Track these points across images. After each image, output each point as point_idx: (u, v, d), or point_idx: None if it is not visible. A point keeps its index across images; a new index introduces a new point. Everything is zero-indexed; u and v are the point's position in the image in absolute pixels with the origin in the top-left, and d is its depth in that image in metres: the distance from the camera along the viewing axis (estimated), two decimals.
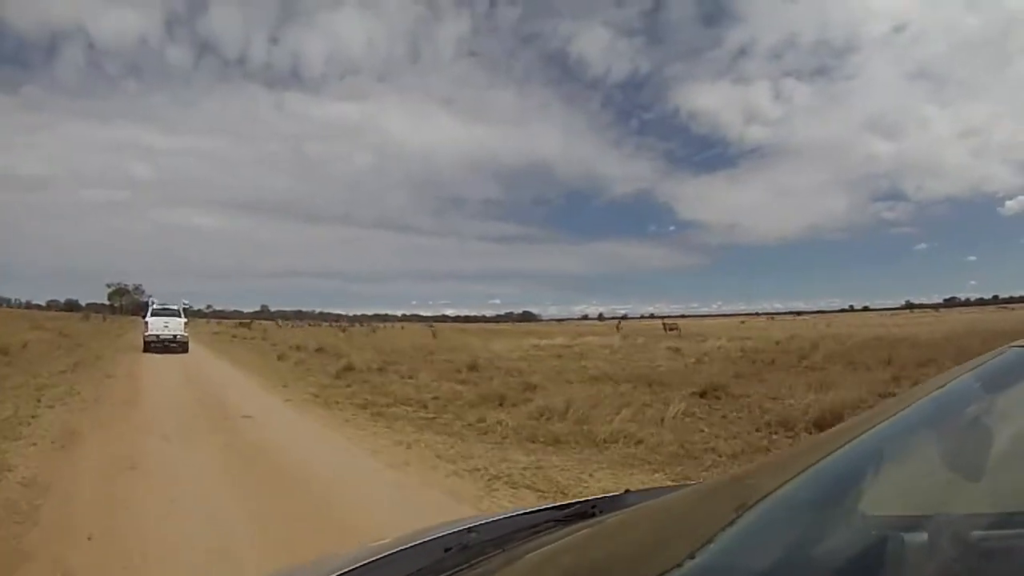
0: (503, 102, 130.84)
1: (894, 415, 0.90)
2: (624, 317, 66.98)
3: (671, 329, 33.70)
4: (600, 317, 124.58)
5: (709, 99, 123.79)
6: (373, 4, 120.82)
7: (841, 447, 0.84)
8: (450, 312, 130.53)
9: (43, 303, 79.49)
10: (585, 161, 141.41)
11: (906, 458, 0.83)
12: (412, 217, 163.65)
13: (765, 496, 0.78)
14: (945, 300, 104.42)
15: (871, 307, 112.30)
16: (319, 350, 18.92)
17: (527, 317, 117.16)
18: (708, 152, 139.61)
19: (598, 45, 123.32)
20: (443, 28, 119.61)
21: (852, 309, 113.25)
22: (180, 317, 19.55)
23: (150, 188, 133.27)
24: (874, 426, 0.87)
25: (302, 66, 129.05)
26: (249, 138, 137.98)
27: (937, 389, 0.92)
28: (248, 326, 48.12)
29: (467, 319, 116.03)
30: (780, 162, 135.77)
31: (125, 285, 78.84)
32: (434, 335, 31.49)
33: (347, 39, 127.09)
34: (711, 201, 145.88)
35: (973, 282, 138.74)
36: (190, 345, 19.17)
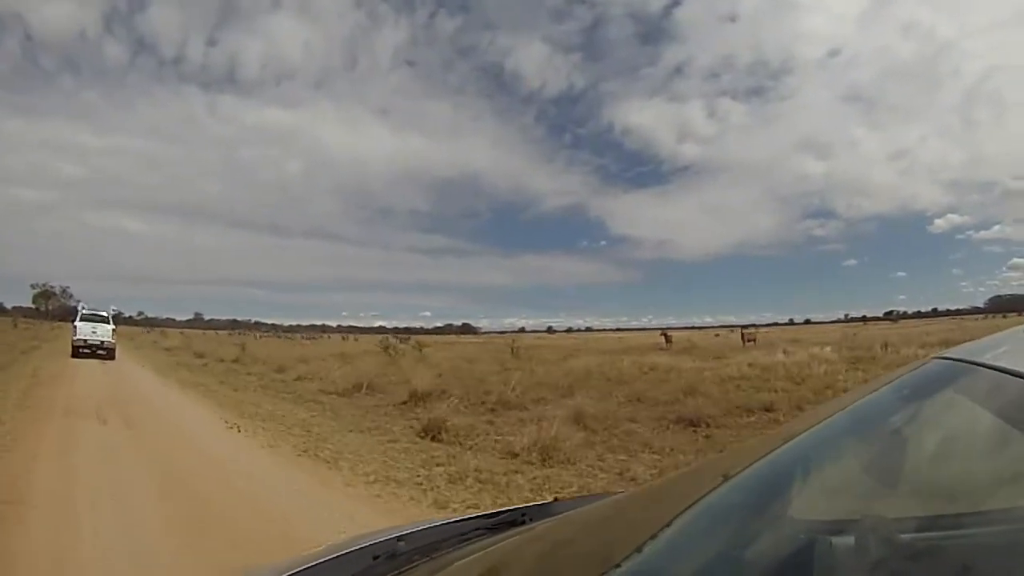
0: (437, 113, 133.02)
1: (821, 422, 0.91)
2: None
3: (750, 340, 30.54)
4: (549, 330, 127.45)
5: (644, 116, 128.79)
6: (312, 10, 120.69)
7: (769, 453, 0.86)
8: (384, 324, 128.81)
9: None
10: (517, 175, 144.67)
11: (833, 464, 0.85)
12: (342, 227, 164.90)
13: (694, 503, 0.79)
14: (885, 313, 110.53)
15: (812, 320, 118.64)
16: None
17: (467, 329, 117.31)
18: (641, 168, 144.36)
19: (535, 59, 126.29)
20: (381, 37, 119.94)
21: (792, 323, 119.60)
22: (109, 324, 19.79)
23: (80, 188, 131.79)
24: (801, 432, 0.89)
25: (238, 69, 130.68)
26: (182, 141, 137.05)
27: (864, 396, 0.95)
28: (241, 348, 25.48)
29: (406, 330, 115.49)
30: (712, 179, 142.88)
31: (51, 287, 75.45)
32: (514, 352, 23.01)
33: (284, 44, 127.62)
34: (643, 217, 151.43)
35: (903, 296, 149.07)
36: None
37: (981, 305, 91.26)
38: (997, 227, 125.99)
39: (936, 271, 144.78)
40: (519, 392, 10.56)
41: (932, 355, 0.96)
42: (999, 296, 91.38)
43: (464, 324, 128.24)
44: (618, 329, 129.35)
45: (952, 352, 0.90)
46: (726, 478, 0.81)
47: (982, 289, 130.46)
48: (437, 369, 16.86)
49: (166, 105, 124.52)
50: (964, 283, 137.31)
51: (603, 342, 45.47)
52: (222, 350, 25.95)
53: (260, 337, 59.93)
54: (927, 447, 0.79)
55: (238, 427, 8.32)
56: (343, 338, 67.21)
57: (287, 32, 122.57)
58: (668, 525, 0.74)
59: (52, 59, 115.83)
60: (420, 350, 23.15)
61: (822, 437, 0.87)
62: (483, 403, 10.04)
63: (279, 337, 58.08)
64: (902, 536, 0.66)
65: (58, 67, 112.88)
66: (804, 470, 0.82)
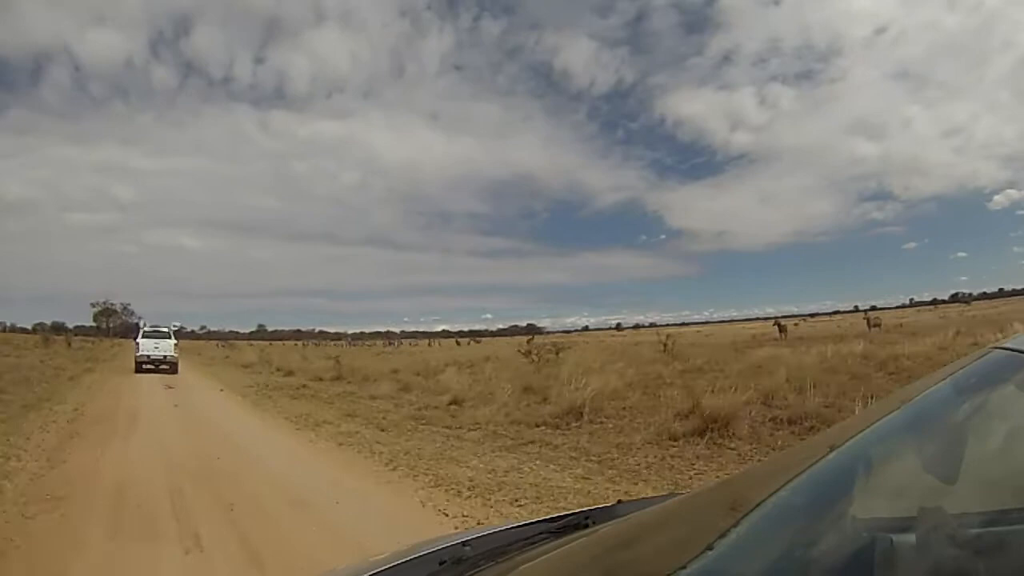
0: (488, 115, 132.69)
1: (882, 418, 0.91)
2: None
3: (875, 325, 27.47)
4: (618, 327, 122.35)
5: (694, 107, 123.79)
6: (356, 21, 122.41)
7: (831, 452, 0.85)
8: (447, 327, 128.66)
9: (28, 326, 73.02)
10: (571, 172, 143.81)
11: (895, 461, 0.84)
12: (400, 233, 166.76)
13: (759, 503, 0.79)
14: (951, 296, 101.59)
15: (877, 307, 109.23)
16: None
17: (532, 330, 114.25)
18: (695, 160, 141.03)
19: (582, 56, 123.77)
20: (427, 43, 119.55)
21: (857, 309, 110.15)
22: (170, 339, 19.58)
23: (137, 209, 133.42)
24: (862, 430, 0.89)
25: (287, 85, 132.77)
26: (235, 158, 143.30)
27: (923, 392, 0.94)
28: (336, 361, 19.61)
29: (471, 334, 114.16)
30: (766, 167, 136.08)
31: (112, 305, 73.90)
32: (666, 348, 18.96)
33: (331, 57, 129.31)
34: (699, 209, 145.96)
35: (964, 278, 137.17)
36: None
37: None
38: None
39: (997, 249, 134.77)
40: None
41: (992, 344, 0.96)
42: None
43: (529, 325, 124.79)
44: (682, 324, 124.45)
45: (1012, 342, 0.88)
46: (790, 477, 0.80)
47: None
48: (617, 376, 11.26)
49: (217, 124, 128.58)
50: None
51: (698, 337, 38.81)
52: (308, 364, 21.32)
53: (336, 346, 56.42)
54: (987, 440, 0.75)
55: None
56: (428, 344, 62.71)
57: (333, 45, 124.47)
58: (734, 526, 0.75)
59: (101, 87, 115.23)
60: (557, 354, 17.66)
61: (883, 433, 0.86)
62: (784, 420, 6.96)
63: (353, 345, 53.85)
64: (965, 532, 0.64)
65: (108, 94, 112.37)
66: (867, 467, 0.81)
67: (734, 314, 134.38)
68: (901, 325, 27.87)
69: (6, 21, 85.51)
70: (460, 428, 8.19)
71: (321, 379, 15.87)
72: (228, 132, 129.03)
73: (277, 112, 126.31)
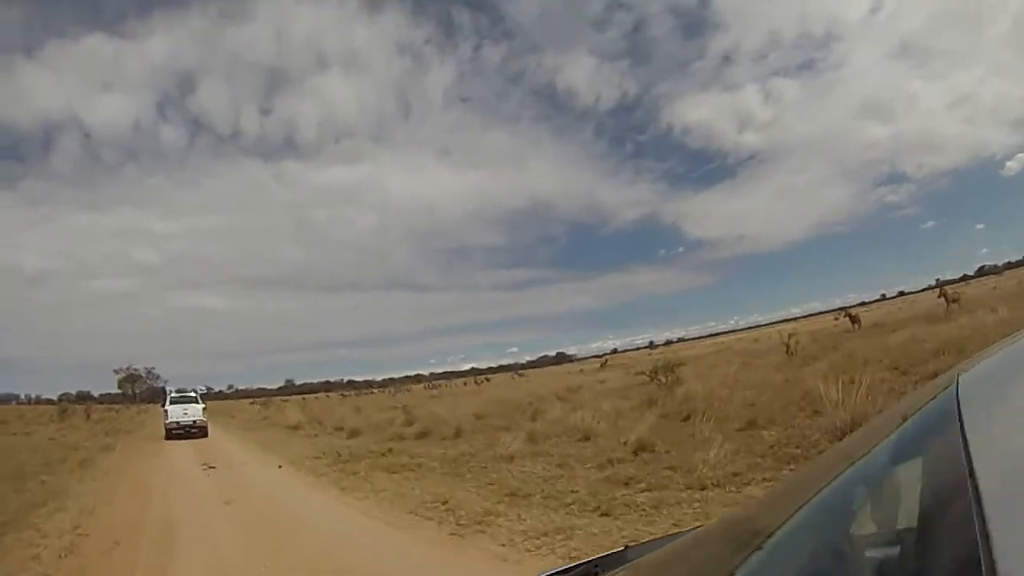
0: (497, 144, 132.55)
1: (866, 446, 0.89)
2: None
3: (953, 301, 20.97)
4: (651, 344, 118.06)
5: (700, 112, 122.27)
6: (358, 64, 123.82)
7: (827, 481, 0.84)
8: (475, 365, 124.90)
9: (55, 397, 72.44)
10: (585, 193, 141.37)
11: (880, 488, 0.84)
12: (420, 274, 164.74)
13: (768, 536, 0.79)
14: (977, 270, 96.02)
15: (904, 291, 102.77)
16: None
17: (562, 359, 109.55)
18: (707, 165, 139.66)
19: (585, 74, 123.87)
20: (430, 78, 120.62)
21: (885, 298, 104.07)
22: (198, 403, 19.36)
23: (157, 273, 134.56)
24: (849, 460, 0.88)
25: (296, 134, 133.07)
26: (251, 212, 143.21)
27: (900, 419, 0.89)
28: (404, 410, 17.73)
29: (500, 369, 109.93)
30: (778, 164, 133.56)
31: (136, 370, 71.62)
32: (790, 351, 16.34)
33: (337, 102, 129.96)
34: (716, 215, 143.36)
35: (985, 250, 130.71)
36: None
37: None
38: None
39: (1016, 217, 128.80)
40: None
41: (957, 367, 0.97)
42: None
43: (558, 353, 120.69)
44: (712, 335, 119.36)
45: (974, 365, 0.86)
46: (795, 508, 0.81)
47: None
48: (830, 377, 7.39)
49: (230, 180, 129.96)
50: None
51: (747, 344, 34.14)
52: (366, 418, 17.63)
53: (376, 393, 53.09)
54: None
55: None
56: (476, 382, 58.09)
57: (338, 90, 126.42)
58: (746, 560, 0.75)
59: (113, 152, 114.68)
60: (672, 370, 13.83)
61: (867, 461, 0.85)
62: None
63: (396, 392, 49.90)
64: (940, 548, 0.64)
65: (120, 159, 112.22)
66: (861, 492, 0.81)
67: (759, 319, 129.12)
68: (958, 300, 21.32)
69: (14, 95, 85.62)
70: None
71: (402, 437, 12.11)
72: (241, 187, 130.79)
73: (288, 162, 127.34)
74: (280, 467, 10.15)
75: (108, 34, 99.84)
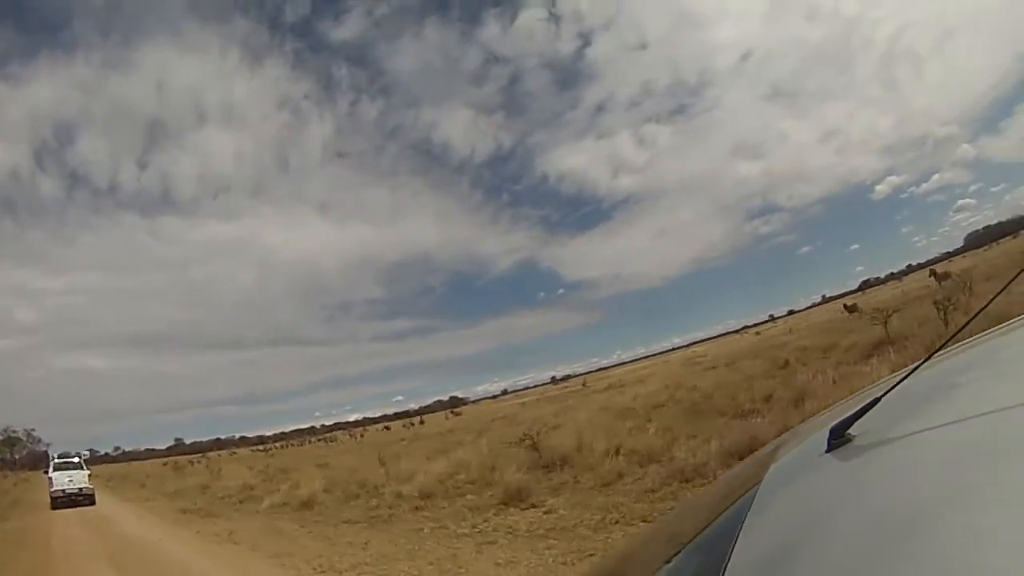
0: (376, 199, 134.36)
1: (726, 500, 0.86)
2: None
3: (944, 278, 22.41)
4: (553, 380, 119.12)
5: (575, 159, 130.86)
6: (236, 118, 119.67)
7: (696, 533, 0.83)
8: (359, 416, 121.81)
9: None
10: (464, 243, 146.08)
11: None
12: (303, 329, 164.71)
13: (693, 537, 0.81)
14: (861, 283, 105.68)
15: (794, 310, 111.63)
16: None
17: (456, 402, 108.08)
18: (583, 210, 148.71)
19: (461, 127, 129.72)
20: (308, 133, 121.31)
21: (773, 318, 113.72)
22: (83, 469, 18.84)
23: (38, 331, 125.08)
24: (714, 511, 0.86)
25: (174, 189, 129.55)
26: (131, 269, 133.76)
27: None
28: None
29: (389, 417, 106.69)
30: (654, 205, 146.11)
31: (15, 432, 66.27)
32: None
33: (215, 156, 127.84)
34: (594, 256, 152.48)
35: (860, 268, 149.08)
36: None
37: (953, 248, 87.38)
38: (936, 176, 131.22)
39: (888, 235, 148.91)
40: None
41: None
42: (975, 231, 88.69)
43: (452, 397, 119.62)
44: (600, 369, 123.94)
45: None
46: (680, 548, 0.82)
47: (935, 239, 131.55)
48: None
49: (109, 235, 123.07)
50: (916, 238, 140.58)
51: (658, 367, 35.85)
52: (289, 479, 15.97)
53: (271, 451, 49.20)
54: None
55: None
56: (361, 435, 56.55)
57: (216, 144, 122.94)
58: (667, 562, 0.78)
59: None
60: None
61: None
62: None
63: (298, 445, 46.68)
64: None
65: None
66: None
67: (641, 351, 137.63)
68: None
69: None
70: None
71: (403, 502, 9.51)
72: (120, 243, 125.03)
73: (166, 218, 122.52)
74: None
75: None
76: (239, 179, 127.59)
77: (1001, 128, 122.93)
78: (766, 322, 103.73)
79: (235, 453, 63.15)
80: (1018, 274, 0.78)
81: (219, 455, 57.70)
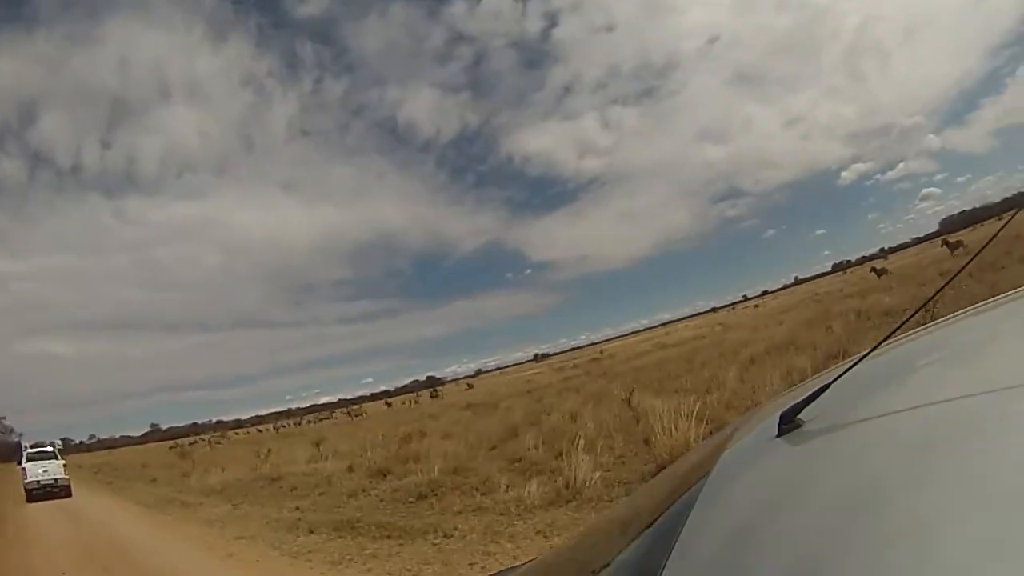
0: (341, 178, 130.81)
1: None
2: None
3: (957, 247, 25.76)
4: (536, 357, 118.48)
5: (541, 140, 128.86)
6: (200, 95, 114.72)
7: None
8: (330, 399, 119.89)
9: None
10: (430, 224, 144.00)
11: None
12: (269, 311, 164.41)
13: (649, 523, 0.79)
14: (833, 266, 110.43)
15: (768, 291, 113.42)
16: None
17: (433, 382, 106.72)
18: (549, 191, 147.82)
19: (426, 106, 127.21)
20: (272, 111, 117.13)
21: (746, 299, 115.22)
22: (57, 459, 18.08)
23: (3, 317, 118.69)
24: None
25: (137, 168, 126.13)
26: (95, 251, 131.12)
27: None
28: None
29: (359, 399, 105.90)
30: (620, 187, 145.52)
31: None
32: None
33: (179, 135, 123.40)
34: (560, 238, 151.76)
35: (827, 252, 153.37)
36: None
37: (928, 232, 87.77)
38: (901, 165, 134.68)
39: (853, 221, 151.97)
40: None
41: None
42: (949, 217, 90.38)
43: (429, 377, 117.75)
44: (571, 349, 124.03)
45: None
46: (637, 534, 0.80)
47: (900, 226, 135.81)
48: None
49: (72, 217, 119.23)
50: (882, 225, 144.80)
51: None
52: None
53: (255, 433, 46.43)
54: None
55: None
56: (360, 412, 54.52)
57: (180, 122, 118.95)
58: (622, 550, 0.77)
59: None
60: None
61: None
62: None
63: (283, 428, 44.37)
64: None
65: None
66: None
67: (608, 332, 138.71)
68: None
69: None
70: None
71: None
72: (83, 225, 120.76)
73: (130, 198, 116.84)
74: None
75: None
76: (203, 158, 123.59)
77: (967, 121, 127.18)
78: (740, 301, 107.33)
79: (226, 436, 60.25)
80: (963, 268, 0.88)
81: (208, 438, 55.12)
